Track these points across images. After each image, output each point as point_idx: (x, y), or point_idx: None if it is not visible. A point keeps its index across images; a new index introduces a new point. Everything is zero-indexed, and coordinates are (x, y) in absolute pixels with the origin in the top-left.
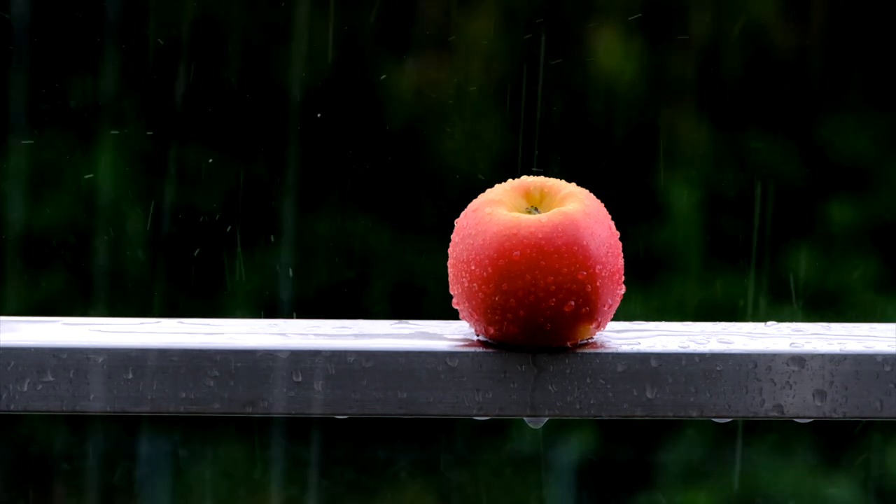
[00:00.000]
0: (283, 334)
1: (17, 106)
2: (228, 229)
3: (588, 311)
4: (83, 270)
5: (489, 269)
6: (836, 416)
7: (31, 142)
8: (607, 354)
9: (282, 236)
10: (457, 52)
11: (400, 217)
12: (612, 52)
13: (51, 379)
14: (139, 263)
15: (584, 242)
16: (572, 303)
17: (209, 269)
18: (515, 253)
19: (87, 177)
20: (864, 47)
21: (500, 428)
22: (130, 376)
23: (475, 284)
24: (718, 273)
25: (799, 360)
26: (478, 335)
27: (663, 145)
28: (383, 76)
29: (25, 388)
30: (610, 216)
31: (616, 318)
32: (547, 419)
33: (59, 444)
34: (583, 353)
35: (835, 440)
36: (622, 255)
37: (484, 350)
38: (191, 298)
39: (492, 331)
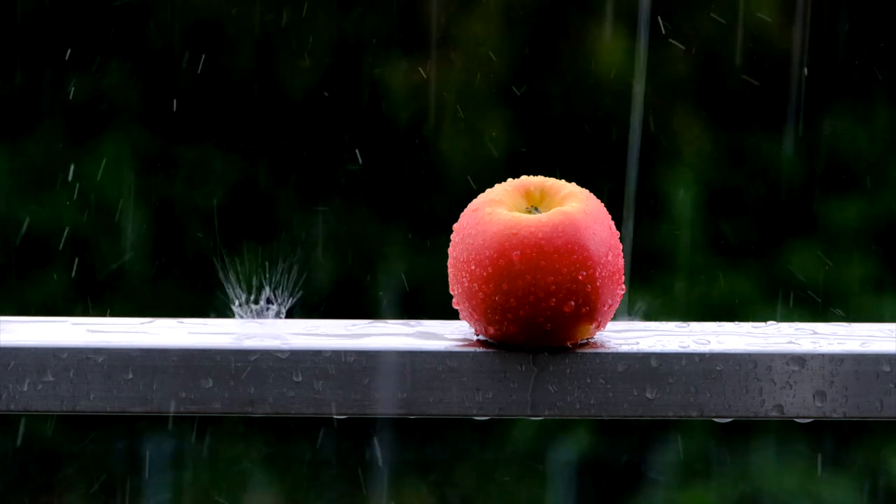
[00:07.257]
0: (283, 334)
1: (16, 103)
2: (229, 229)
3: (588, 311)
4: (83, 270)
5: (489, 269)
6: (836, 416)
7: (29, 140)
8: (607, 354)
9: (282, 236)
10: (457, 51)
11: (400, 217)
12: (612, 50)
13: (51, 379)
14: (139, 263)
15: (584, 242)
16: (572, 303)
17: (209, 269)
18: (515, 253)
19: (86, 175)
20: (865, 45)
21: (498, 427)
22: (130, 376)
23: (475, 284)
24: (718, 272)
25: (799, 360)
26: (478, 335)
27: (663, 144)
28: (384, 75)
29: (25, 388)
30: (610, 216)
31: (616, 318)
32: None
33: (59, 444)
34: (583, 353)
35: (835, 440)
36: (622, 255)
37: (484, 350)
38: (191, 298)
39: (492, 331)
